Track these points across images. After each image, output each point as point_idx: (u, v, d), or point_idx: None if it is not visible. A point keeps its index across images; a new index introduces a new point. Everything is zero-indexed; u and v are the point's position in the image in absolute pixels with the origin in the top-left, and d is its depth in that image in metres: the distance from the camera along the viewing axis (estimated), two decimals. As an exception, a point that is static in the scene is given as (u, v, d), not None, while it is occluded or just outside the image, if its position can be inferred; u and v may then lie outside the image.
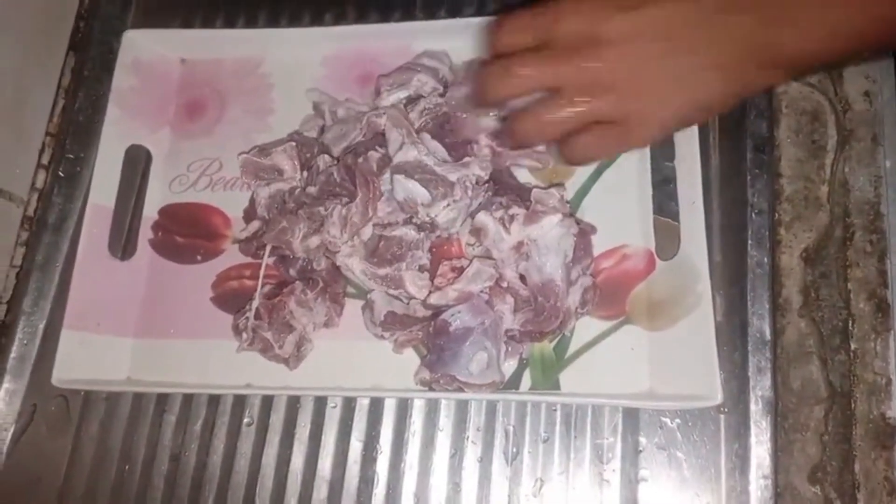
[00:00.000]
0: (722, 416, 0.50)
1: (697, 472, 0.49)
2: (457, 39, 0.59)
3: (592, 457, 0.50)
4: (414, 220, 0.51)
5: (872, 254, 0.52)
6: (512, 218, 0.51)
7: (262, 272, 0.54)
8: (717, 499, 0.49)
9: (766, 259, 0.52)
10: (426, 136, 0.53)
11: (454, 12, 0.61)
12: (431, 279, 0.51)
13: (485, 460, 0.51)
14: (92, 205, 0.56)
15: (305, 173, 0.55)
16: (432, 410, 0.52)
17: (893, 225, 0.53)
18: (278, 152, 0.54)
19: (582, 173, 0.55)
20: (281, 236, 0.51)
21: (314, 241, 0.51)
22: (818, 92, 0.55)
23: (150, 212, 0.60)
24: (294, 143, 0.55)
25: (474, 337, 0.48)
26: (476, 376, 0.48)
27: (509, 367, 0.52)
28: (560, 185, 0.55)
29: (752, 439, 0.49)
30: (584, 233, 0.53)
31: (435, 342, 0.49)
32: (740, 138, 0.54)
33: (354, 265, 0.51)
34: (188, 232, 0.59)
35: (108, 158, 0.58)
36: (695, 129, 0.50)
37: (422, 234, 0.51)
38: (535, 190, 0.52)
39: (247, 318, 0.52)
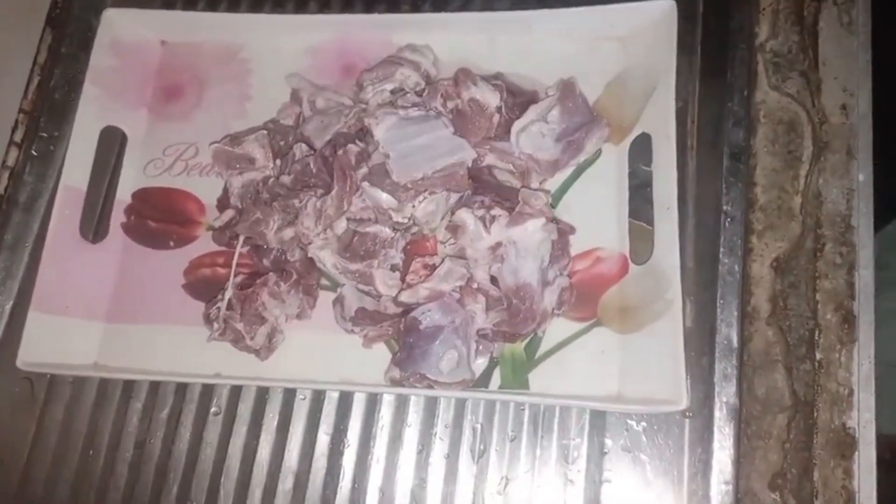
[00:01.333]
0: (687, 421, 0.50)
1: (661, 475, 0.50)
2: (441, 33, 0.58)
3: (558, 457, 0.51)
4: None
5: (842, 266, 0.53)
6: (493, 218, 0.51)
7: (234, 262, 0.54)
8: (679, 502, 0.49)
9: (736, 267, 0.52)
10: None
11: (439, 6, 0.61)
12: (402, 279, 0.50)
13: (451, 457, 0.51)
14: (64, 186, 0.56)
15: (279, 162, 0.54)
16: (401, 406, 0.52)
17: (863, 238, 0.53)
18: (250, 141, 0.54)
19: (560, 174, 0.55)
20: (255, 227, 0.51)
21: (288, 232, 0.51)
22: (796, 103, 0.56)
23: (124, 195, 0.59)
24: (266, 132, 0.54)
25: (444, 335, 0.48)
26: (446, 375, 0.48)
27: (479, 365, 0.52)
28: (546, 191, 0.55)
29: (716, 445, 0.49)
30: (563, 233, 0.53)
31: (405, 340, 0.49)
32: (717, 146, 0.54)
33: (326, 258, 0.50)
34: (161, 217, 0.58)
35: (83, 139, 0.57)
36: (672, 134, 0.51)
37: (396, 233, 0.50)
38: (523, 190, 0.52)
39: (218, 308, 0.52)
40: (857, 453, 0.50)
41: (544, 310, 0.51)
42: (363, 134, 0.54)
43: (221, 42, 0.62)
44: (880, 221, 0.55)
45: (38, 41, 0.64)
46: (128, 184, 0.59)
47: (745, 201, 0.53)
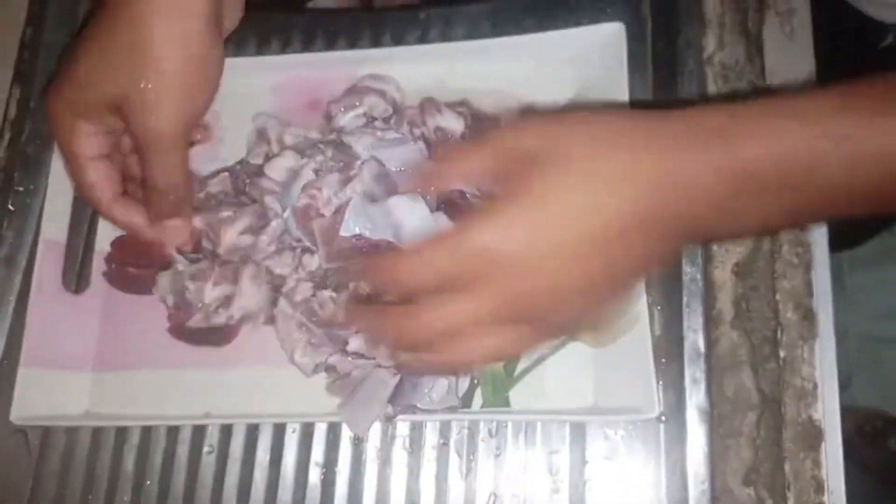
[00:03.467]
0: (662, 426, 0.53)
1: (640, 479, 0.52)
2: (402, 65, 0.60)
3: (543, 469, 0.53)
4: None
5: (798, 265, 0.55)
6: None
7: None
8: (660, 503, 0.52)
9: (699, 275, 0.54)
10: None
11: (398, 38, 0.62)
12: None
13: (440, 477, 0.53)
14: (44, 241, 0.57)
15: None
16: (388, 432, 0.54)
17: (817, 236, 0.56)
18: (213, 185, 0.56)
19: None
20: (218, 222, 0.54)
21: (244, 240, 0.54)
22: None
23: (103, 244, 0.60)
24: (227, 174, 0.56)
25: (434, 369, 0.50)
26: (436, 403, 0.50)
27: (461, 387, 0.54)
28: None
29: (690, 446, 0.52)
30: None
31: (392, 375, 0.51)
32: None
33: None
34: (141, 263, 0.59)
35: (58, 192, 0.58)
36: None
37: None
38: None
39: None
40: (823, 444, 0.52)
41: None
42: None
43: (188, 86, 0.63)
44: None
45: (7, 96, 0.65)
46: (106, 233, 0.60)
47: (703, 211, 0.56)
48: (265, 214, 0.56)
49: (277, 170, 0.57)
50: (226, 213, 0.55)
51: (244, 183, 0.59)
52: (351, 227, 0.51)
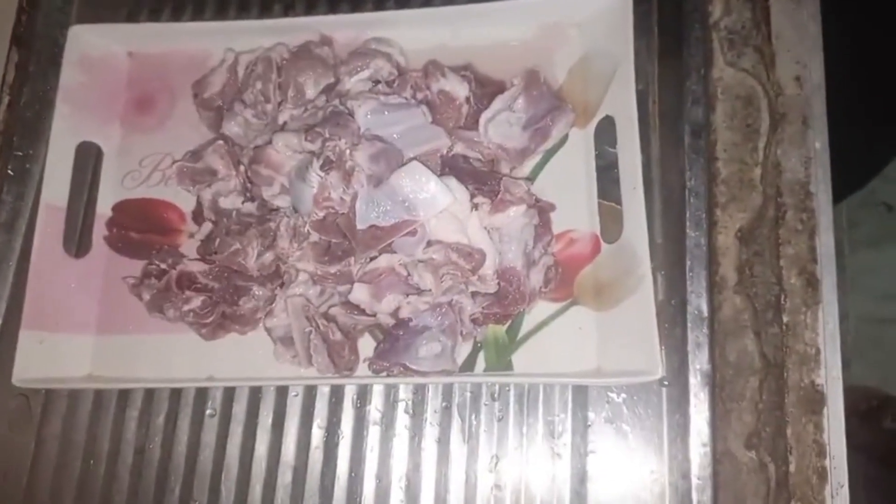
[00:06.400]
0: (664, 390, 0.53)
1: (642, 442, 0.52)
2: (406, 28, 0.60)
3: (545, 432, 0.53)
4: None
5: (803, 231, 0.55)
6: (476, 206, 0.52)
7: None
8: (661, 466, 0.52)
9: (703, 239, 0.54)
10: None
11: (402, 2, 0.62)
12: None
13: (442, 440, 0.53)
14: (45, 205, 0.56)
15: (242, 168, 0.55)
16: (391, 395, 0.54)
17: (822, 203, 0.56)
18: (209, 153, 0.55)
19: (530, 161, 0.57)
20: (234, 258, 0.52)
21: (268, 257, 0.52)
22: (752, 77, 0.58)
23: (104, 208, 0.60)
24: (222, 142, 0.56)
25: (431, 332, 0.50)
26: (427, 365, 0.50)
27: (464, 350, 0.54)
28: (529, 179, 0.56)
29: (692, 410, 0.52)
30: (544, 210, 0.55)
31: (392, 331, 0.51)
32: (678, 124, 0.56)
33: (307, 268, 0.52)
34: (143, 227, 0.59)
35: (59, 157, 0.58)
36: (635, 116, 0.52)
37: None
38: (504, 178, 0.54)
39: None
40: (825, 408, 0.52)
41: (532, 289, 0.53)
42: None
43: (188, 50, 0.62)
44: (842, 188, 0.57)
45: (5, 61, 0.64)
46: (107, 197, 0.60)
47: (707, 176, 0.56)
48: (269, 216, 0.55)
49: (277, 158, 0.55)
50: (235, 246, 0.53)
51: (240, 151, 0.58)
52: (363, 220, 0.51)
